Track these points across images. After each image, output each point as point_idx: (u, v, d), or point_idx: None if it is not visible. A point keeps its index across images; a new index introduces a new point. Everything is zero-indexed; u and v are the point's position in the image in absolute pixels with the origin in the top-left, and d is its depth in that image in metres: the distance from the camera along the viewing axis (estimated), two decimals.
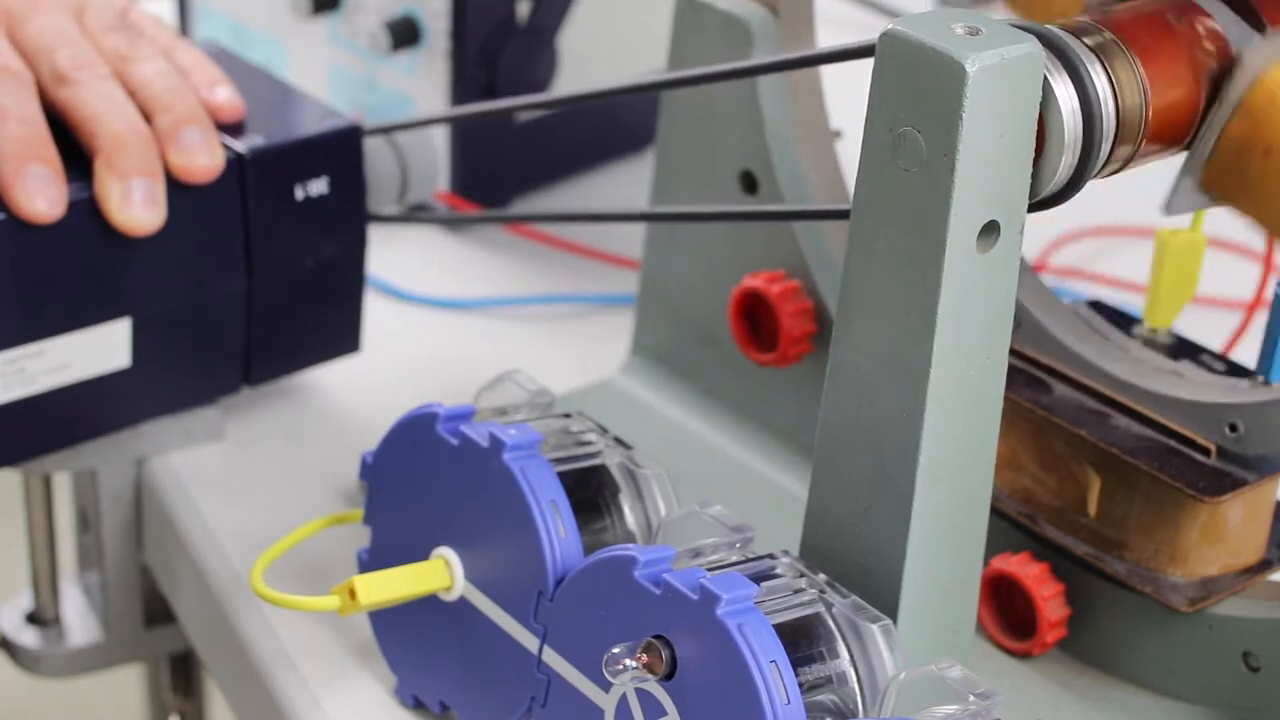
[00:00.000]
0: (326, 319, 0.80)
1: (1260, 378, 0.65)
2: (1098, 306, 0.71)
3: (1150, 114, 0.60)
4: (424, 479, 0.64)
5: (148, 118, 0.73)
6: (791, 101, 0.73)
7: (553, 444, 0.64)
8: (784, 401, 0.76)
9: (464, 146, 0.95)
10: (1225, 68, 0.61)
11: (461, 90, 0.93)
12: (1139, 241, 0.98)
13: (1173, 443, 0.65)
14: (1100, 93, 0.58)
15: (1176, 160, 0.63)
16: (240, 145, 0.74)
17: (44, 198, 0.69)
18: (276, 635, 0.70)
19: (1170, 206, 0.63)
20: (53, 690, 1.49)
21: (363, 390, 0.83)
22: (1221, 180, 0.62)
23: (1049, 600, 0.66)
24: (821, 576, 0.59)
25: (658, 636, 0.56)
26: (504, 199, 0.98)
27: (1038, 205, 0.59)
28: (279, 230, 0.76)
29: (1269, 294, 0.67)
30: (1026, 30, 0.57)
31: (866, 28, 1.16)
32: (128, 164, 0.70)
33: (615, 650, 0.56)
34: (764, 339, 0.74)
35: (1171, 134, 0.61)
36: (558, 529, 0.60)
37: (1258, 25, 0.62)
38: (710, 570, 0.57)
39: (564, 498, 0.61)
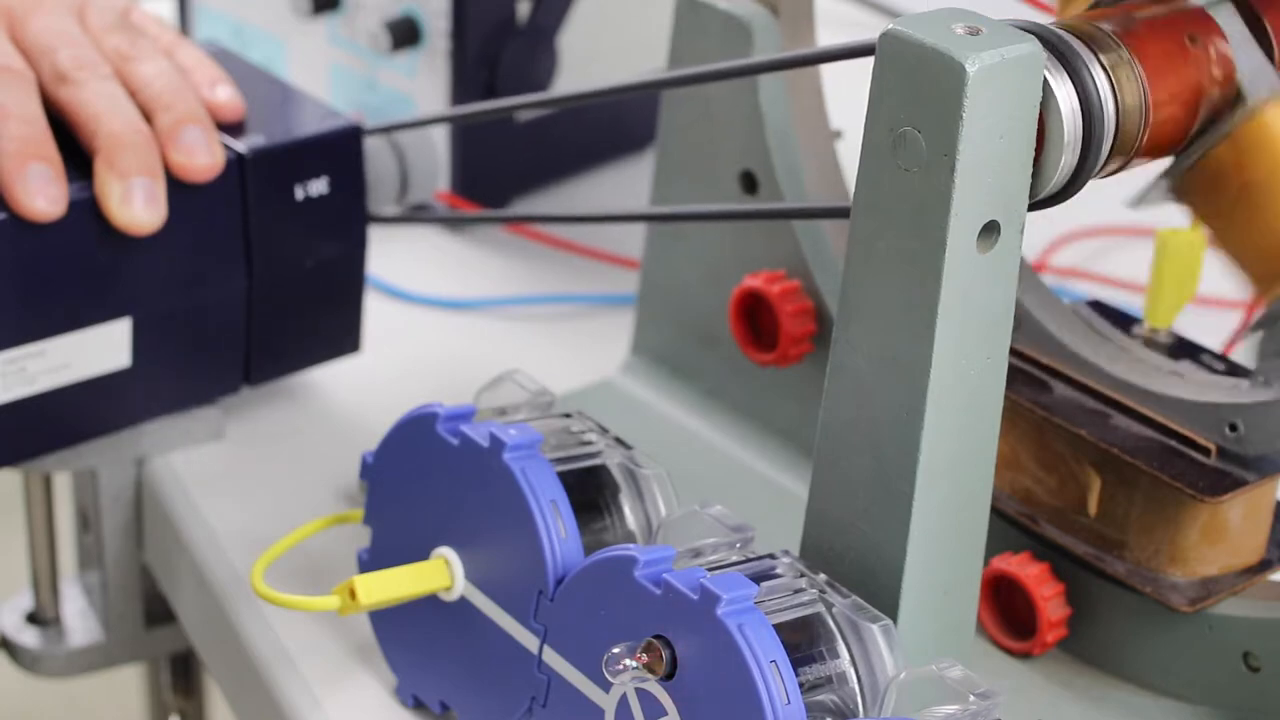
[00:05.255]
0: (326, 319, 0.80)
1: (1260, 378, 0.65)
2: (1098, 306, 0.71)
3: (1150, 115, 0.60)
4: (424, 479, 0.64)
5: (148, 117, 0.73)
6: (791, 101, 0.73)
7: (553, 444, 0.64)
8: (784, 401, 0.76)
9: (464, 146, 0.95)
10: (1228, 79, 0.62)
11: (461, 90, 0.93)
12: (1139, 241, 0.98)
13: (1173, 443, 0.65)
14: (1100, 93, 0.58)
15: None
16: (240, 145, 0.74)
17: (45, 197, 0.69)
18: (276, 635, 0.70)
19: (1140, 200, 0.63)
20: (53, 690, 1.49)
21: (363, 390, 0.83)
22: (1193, 195, 0.63)
23: (1049, 600, 0.66)
24: (821, 576, 0.59)
25: (658, 636, 0.56)
26: (504, 199, 0.98)
27: (1038, 205, 0.59)
28: (279, 230, 0.76)
29: None
30: (1027, 30, 0.57)
31: (866, 28, 1.16)
32: (128, 163, 0.70)
33: (615, 650, 0.56)
34: (764, 339, 0.74)
35: (1171, 136, 0.61)
36: (558, 529, 0.60)
37: (1267, 45, 0.62)
38: (710, 570, 0.57)
39: (564, 497, 0.61)
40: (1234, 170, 0.61)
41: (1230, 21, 0.62)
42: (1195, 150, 0.61)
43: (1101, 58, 0.58)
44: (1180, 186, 0.62)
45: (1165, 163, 0.63)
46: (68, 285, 0.71)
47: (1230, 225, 0.62)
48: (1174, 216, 0.67)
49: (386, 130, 0.81)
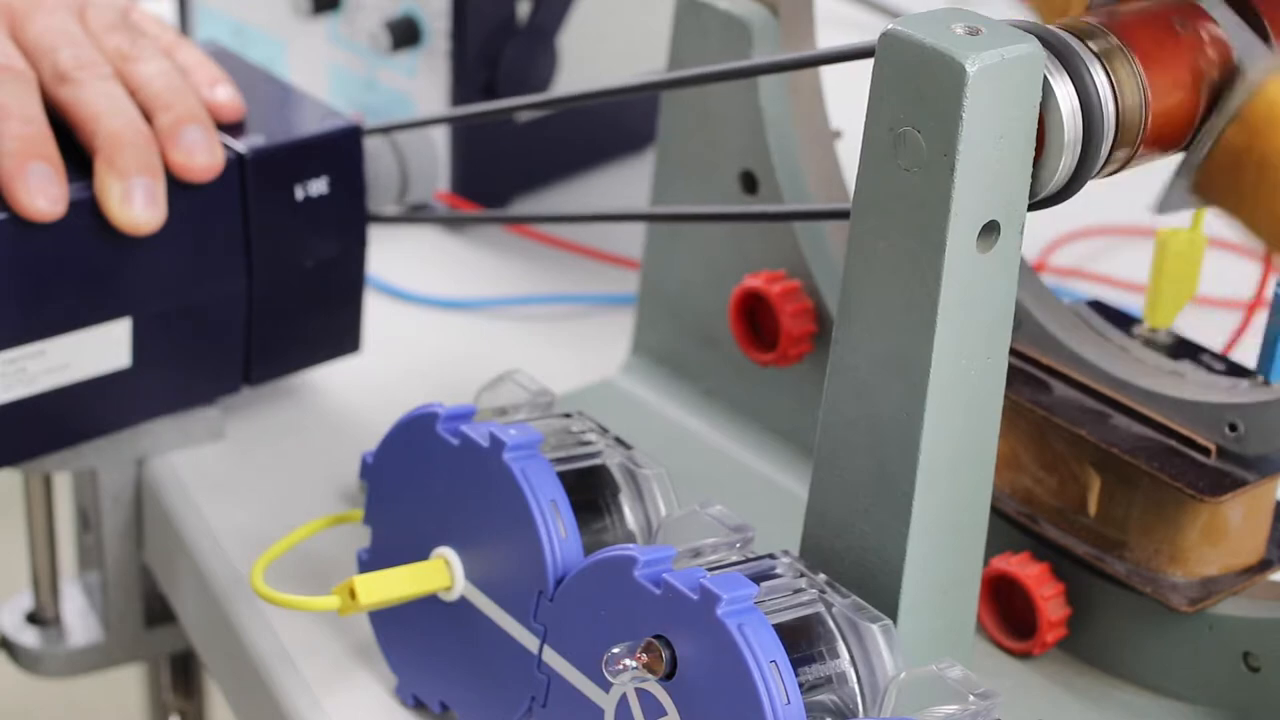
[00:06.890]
0: (326, 319, 0.80)
1: (1260, 378, 0.65)
2: (1098, 306, 0.71)
3: (1150, 114, 0.60)
4: (424, 479, 0.64)
5: (148, 117, 0.73)
6: (791, 101, 0.73)
7: (553, 444, 0.65)
8: (784, 401, 0.76)
9: (464, 146, 0.95)
10: (1227, 74, 0.61)
11: (461, 90, 0.93)
12: (1139, 241, 0.98)
13: (1173, 443, 0.65)
14: (1100, 93, 0.58)
15: (1177, 160, 0.63)
16: (241, 145, 0.74)
17: (45, 196, 0.69)
18: (276, 635, 0.70)
19: (1162, 206, 0.63)
20: (53, 690, 1.49)
21: (363, 390, 0.83)
22: (1214, 186, 0.62)
23: (1049, 600, 0.66)
24: (821, 576, 0.59)
25: (658, 636, 0.56)
26: (504, 199, 0.98)
27: (1038, 205, 0.59)
28: (279, 230, 0.76)
29: (1269, 294, 0.67)
30: (1027, 30, 0.57)
31: (866, 28, 1.16)
32: (128, 163, 0.70)
33: (615, 650, 0.56)
34: (764, 339, 0.74)
35: (1171, 135, 0.61)
36: (558, 529, 0.60)
37: (1262, 33, 0.62)
38: (710, 570, 0.57)
39: (564, 497, 0.61)
40: (1250, 150, 0.60)
41: (1217, 8, 0.62)
42: (1203, 140, 0.61)
43: (1101, 57, 0.58)
44: (1199, 182, 0.62)
45: (1175, 163, 0.63)
46: (68, 285, 0.71)
47: (1257, 208, 0.62)
48: (1174, 216, 0.67)
49: (386, 130, 0.81)
